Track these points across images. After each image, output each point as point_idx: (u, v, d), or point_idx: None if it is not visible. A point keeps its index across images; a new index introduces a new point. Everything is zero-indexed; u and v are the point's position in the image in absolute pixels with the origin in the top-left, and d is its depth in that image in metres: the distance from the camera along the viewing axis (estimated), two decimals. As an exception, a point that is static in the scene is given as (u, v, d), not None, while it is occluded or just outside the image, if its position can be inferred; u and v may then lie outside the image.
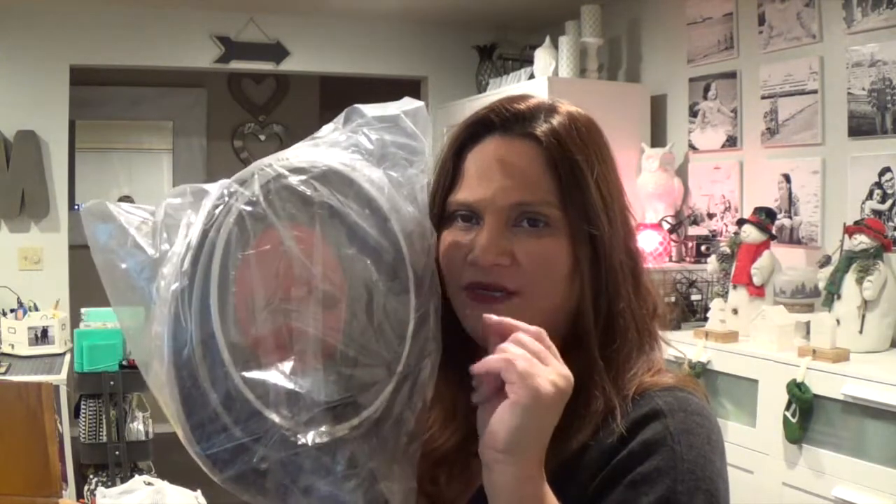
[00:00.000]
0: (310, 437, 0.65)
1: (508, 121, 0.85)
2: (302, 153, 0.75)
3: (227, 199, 0.69)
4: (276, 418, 0.65)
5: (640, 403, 0.78)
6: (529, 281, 0.81)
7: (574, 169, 0.82)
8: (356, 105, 0.81)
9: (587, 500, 0.76)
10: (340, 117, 0.81)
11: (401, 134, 0.79)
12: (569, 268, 0.82)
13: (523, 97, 0.88)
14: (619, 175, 0.88)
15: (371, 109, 0.80)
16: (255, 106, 5.84)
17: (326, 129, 0.80)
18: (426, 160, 0.81)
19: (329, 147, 0.77)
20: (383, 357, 0.72)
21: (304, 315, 0.68)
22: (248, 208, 0.69)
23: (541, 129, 0.83)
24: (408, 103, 0.83)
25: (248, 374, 0.66)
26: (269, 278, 0.68)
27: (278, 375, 0.66)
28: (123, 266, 0.70)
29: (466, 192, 0.84)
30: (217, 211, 0.69)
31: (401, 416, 0.72)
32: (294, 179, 0.71)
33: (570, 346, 0.82)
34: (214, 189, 0.72)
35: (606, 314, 0.83)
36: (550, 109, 0.86)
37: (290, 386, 0.66)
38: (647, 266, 0.90)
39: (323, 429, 0.66)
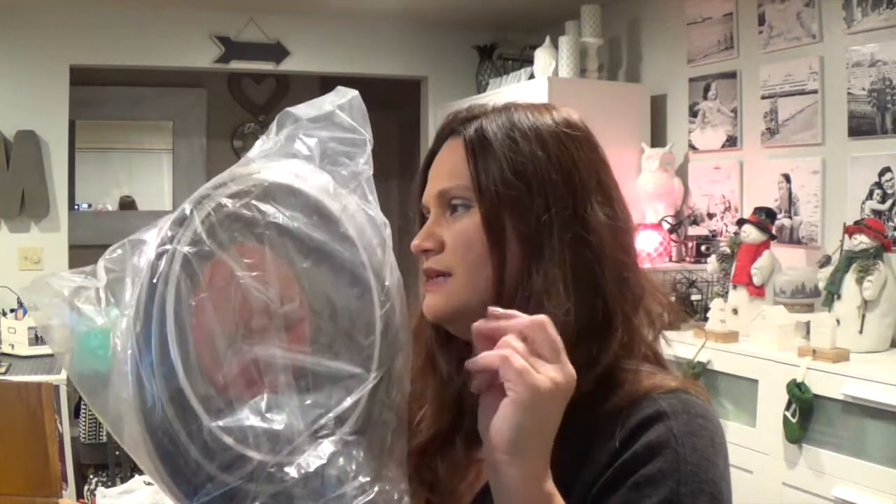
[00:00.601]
0: (294, 470, 0.64)
1: (453, 128, 0.90)
2: (239, 174, 0.73)
3: (168, 245, 0.67)
4: (259, 457, 0.64)
5: (644, 405, 0.78)
6: (454, 261, 0.85)
7: (487, 150, 0.85)
8: (287, 109, 0.80)
9: (591, 500, 0.76)
10: (273, 126, 0.80)
11: (338, 129, 0.79)
12: (486, 246, 0.84)
13: (482, 106, 0.92)
14: (592, 170, 0.87)
15: (303, 110, 0.80)
16: (255, 106, 5.84)
17: (259, 144, 0.79)
18: (368, 150, 0.81)
19: (266, 161, 0.75)
20: (356, 362, 0.70)
21: (268, 344, 0.67)
22: (193, 249, 0.67)
23: (472, 126, 0.88)
24: (341, 95, 0.81)
25: (223, 423, 0.64)
26: (227, 316, 0.67)
27: (254, 416, 0.65)
28: (73, 338, 0.68)
29: (423, 197, 0.91)
30: (161, 261, 0.66)
31: (381, 418, 0.71)
32: (235, 205, 0.69)
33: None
34: (152, 237, 0.69)
35: (518, 292, 0.82)
36: (500, 110, 0.89)
37: (267, 425, 0.64)
38: (636, 260, 0.89)
39: (308, 455, 0.65)
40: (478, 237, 0.84)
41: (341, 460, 0.67)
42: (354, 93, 0.82)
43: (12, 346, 3.65)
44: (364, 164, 0.80)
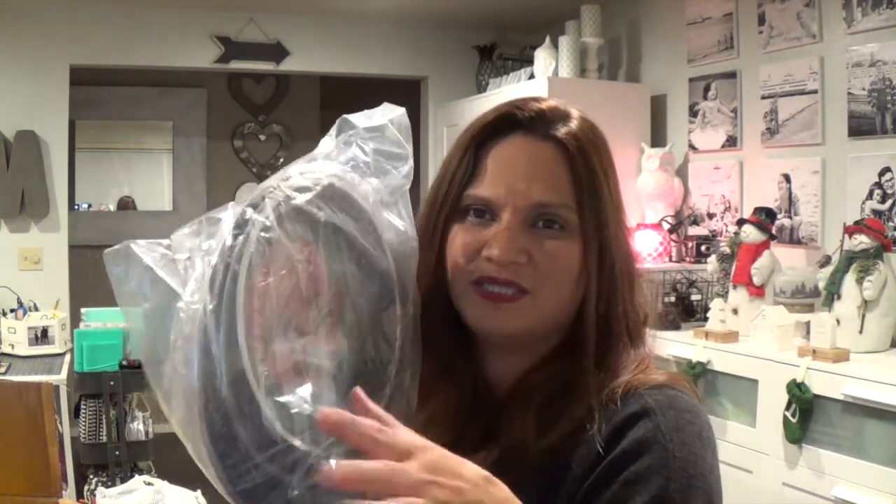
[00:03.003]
0: (333, 463, 0.64)
1: (533, 120, 0.85)
2: (304, 170, 0.75)
3: (244, 227, 0.69)
4: (304, 447, 0.65)
5: (630, 402, 0.79)
6: (542, 280, 0.82)
7: (592, 175, 0.84)
8: (345, 116, 0.80)
9: (581, 498, 0.76)
10: (333, 129, 0.81)
11: (386, 143, 0.79)
12: (578, 271, 0.83)
13: (540, 98, 0.88)
14: (619, 181, 0.89)
15: (360, 119, 0.80)
16: (255, 106, 5.84)
17: (324, 143, 0.80)
18: (410, 165, 0.81)
19: (326, 161, 0.77)
20: (378, 371, 0.73)
21: (316, 338, 0.69)
22: (265, 234, 0.68)
23: (562, 132, 0.84)
24: (391, 110, 0.82)
25: (275, 410, 0.65)
26: (283, 305, 0.68)
27: (301, 401, 0.65)
28: (148, 306, 0.69)
29: (486, 188, 0.84)
30: (237, 242, 0.68)
31: None
32: (301, 199, 0.71)
33: (566, 347, 0.84)
34: (228, 217, 0.70)
35: (605, 318, 0.84)
36: (566, 114, 0.87)
37: (312, 410, 0.65)
38: (641, 271, 0.91)
39: (342, 450, 0.65)
40: (572, 264, 0.83)
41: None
42: (402, 110, 0.83)
43: (12, 346, 3.65)
44: (404, 177, 0.79)
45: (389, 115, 0.81)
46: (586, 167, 0.83)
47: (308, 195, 0.71)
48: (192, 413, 0.65)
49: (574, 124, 0.85)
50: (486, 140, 0.86)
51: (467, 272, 0.83)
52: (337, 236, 0.72)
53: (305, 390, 0.66)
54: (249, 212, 0.69)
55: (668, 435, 0.76)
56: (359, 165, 0.77)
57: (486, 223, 0.83)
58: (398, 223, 0.78)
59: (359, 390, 0.66)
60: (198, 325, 0.65)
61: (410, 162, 0.81)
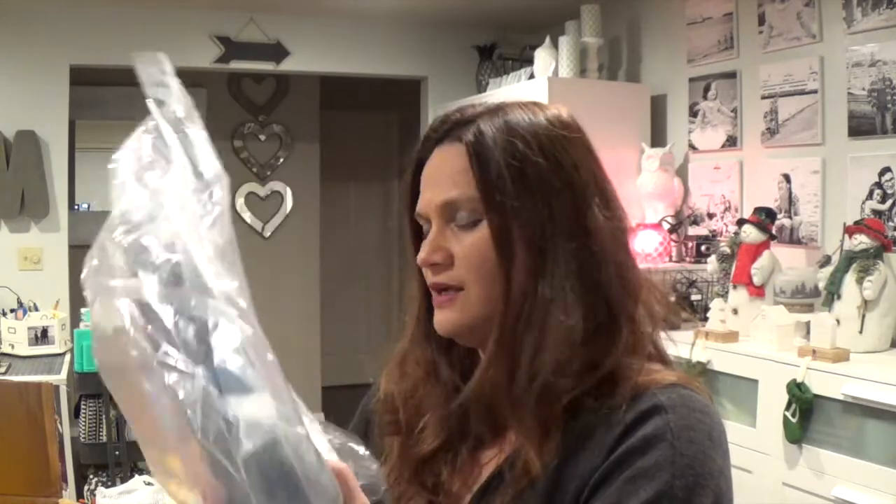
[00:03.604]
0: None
1: (447, 132, 0.88)
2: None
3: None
4: None
5: (642, 400, 0.79)
6: (465, 274, 0.84)
7: (490, 162, 0.84)
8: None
9: (588, 492, 0.76)
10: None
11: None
12: (497, 259, 0.83)
13: (473, 107, 0.90)
14: (590, 171, 0.87)
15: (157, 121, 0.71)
16: (255, 106, 5.84)
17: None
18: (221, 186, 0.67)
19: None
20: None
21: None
22: None
23: (469, 131, 0.86)
24: (147, 62, 0.70)
25: None
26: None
27: None
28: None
29: (419, 204, 0.89)
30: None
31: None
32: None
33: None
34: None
35: (525, 301, 0.82)
36: (494, 111, 0.87)
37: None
38: (634, 258, 0.89)
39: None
40: (490, 250, 0.83)
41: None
42: (157, 55, 0.70)
43: (12, 346, 3.65)
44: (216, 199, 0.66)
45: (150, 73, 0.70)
46: (484, 155, 0.84)
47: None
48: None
49: (490, 119, 0.86)
50: (421, 163, 0.90)
51: (427, 286, 0.89)
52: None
53: None
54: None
55: (677, 433, 0.76)
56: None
57: None
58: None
59: None
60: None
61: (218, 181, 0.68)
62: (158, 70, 0.69)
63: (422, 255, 0.86)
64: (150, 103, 0.69)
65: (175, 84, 0.70)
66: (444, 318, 0.86)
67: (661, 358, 0.87)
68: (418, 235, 0.90)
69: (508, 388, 0.81)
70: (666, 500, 0.73)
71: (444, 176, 0.86)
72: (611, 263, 0.84)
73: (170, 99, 0.70)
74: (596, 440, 0.78)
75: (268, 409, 0.59)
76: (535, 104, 0.90)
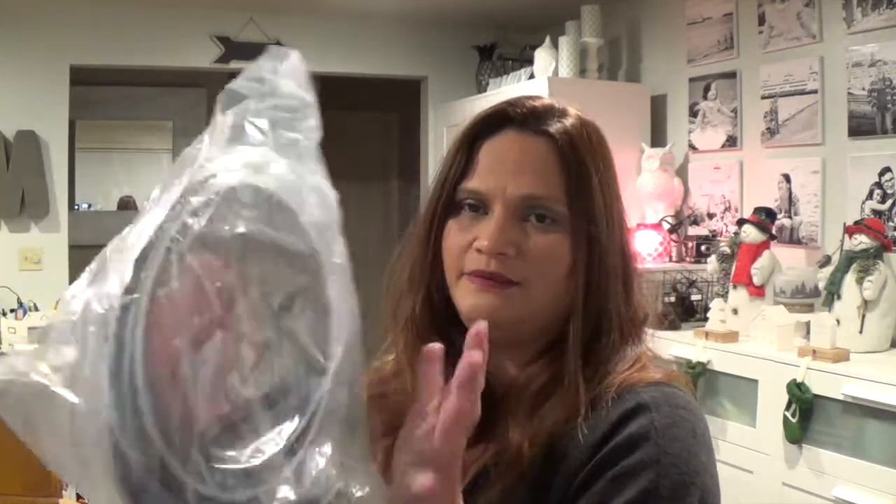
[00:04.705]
0: (288, 492, 0.59)
1: (525, 116, 0.86)
2: (196, 182, 0.65)
3: (132, 294, 0.59)
4: (246, 496, 0.59)
5: (626, 398, 0.79)
6: (531, 273, 0.82)
7: (582, 170, 0.84)
8: (228, 87, 0.71)
9: (573, 491, 0.76)
10: (217, 111, 0.72)
11: (284, 101, 0.71)
12: (568, 266, 0.83)
13: (536, 97, 0.89)
14: (618, 180, 0.89)
15: (245, 84, 0.72)
16: (255, 106, 5.84)
17: (208, 134, 0.71)
18: (315, 118, 0.71)
19: (219, 155, 0.67)
20: (308, 359, 0.63)
21: (231, 368, 0.60)
22: (161, 290, 0.60)
23: (555, 127, 0.85)
24: (279, 56, 0.73)
25: (206, 485, 0.58)
26: (193, 352, 0.60)
27: (234, 461, 0.59)
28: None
29: (478, 181, 0.85)
30: (128, 315, 0.59)
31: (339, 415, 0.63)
32: (200, 223, 0.62)
33: (556, 343, 0.85)
34: (114, 283, 0.60)
35: (595, 314, 0.84)
36: (562, 111, 0.87)
37: (247, 465, 0.59)
38: (640, 270, 0.91)
39: (293, 473, 0.60)
40: (563, 257, 0.83)
41: (320, 466, 0.61)
42: (293, 53, 0.73)
43: (12, 346, 3.65)
44: (311, 131, 0.70)
45: (278, 65, 0.72)
46: (576, 161, 0.84)
47: (206, 214, 0.62)
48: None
49: (567, 121, 0.86)
50: (479, 136, 0.87)
51: (460, 265, 0.85)
52: (249, 247, 0.63)
53: (237, 443, 0.60)
54: (139, 270, 0.60)
55: (661, 431, 0.76)
56: (261, 143, 0.68)
57: (480, 217, 0.85)
58: (320, 185, 0.68)
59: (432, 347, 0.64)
60: (103, 417, 0.58)
61: (313, 112, 0.71)
62: (272, 68, 0.70)
63: (491, 243, 0.81)
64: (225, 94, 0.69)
65: (276, 86, 0.70)
66: (485, 303, 0.82)
67: (645, 359, 0.88)
68: (448, 208, 0.86)
69: (574, 389, 0.81)
70: (651, 499, 0.73)
71: (528, 167, 0.84)
72: (626, 276, 0.87)
73: (253, 101, 0.70)
74: (581, 438, 0.78)
75: None
76: (579, 114, 0.89)
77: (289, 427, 0.61)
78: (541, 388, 0.83)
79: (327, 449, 0.62)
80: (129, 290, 0.60)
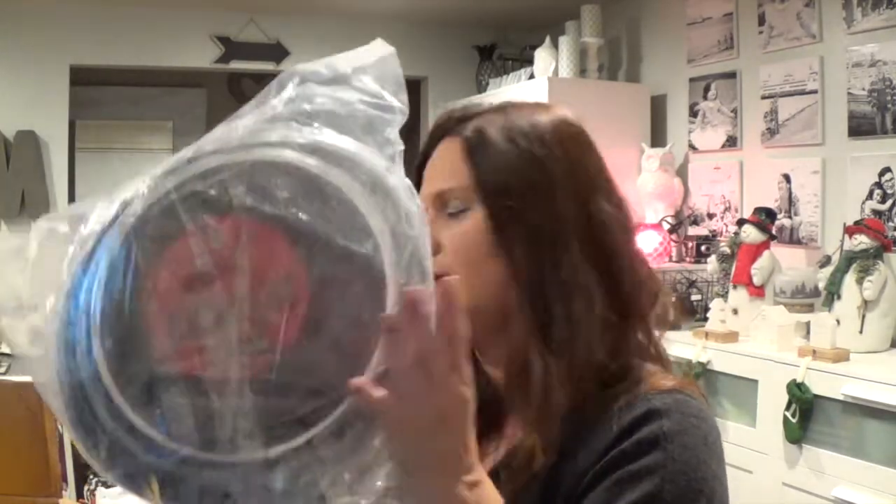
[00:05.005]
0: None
1: (449, 128, 0.89)
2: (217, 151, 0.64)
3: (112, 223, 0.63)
4: (187, 452, 0.59)
5: (639, 405, 0.78)
6: (452, 263, 0.83)
7: (488, 150, 0.84)
8: (294, 68, 0.66)
9: (580, 493, 0.76)
10: (271, 87, 0.68)
11: (362, 94, 0.66)
12: (489, 247, 0.83)
13: (478, 105, 0.91)
14: (595, 166, 0.88)
15: (313, 69, 0.67)
16: (255, 106, 5.84)
17: (251, 108, 0.69)
18: (399, 122, 0.66)
19: (267, 127, 0.65)
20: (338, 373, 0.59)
21: (228, 339, 0.59)
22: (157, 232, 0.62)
23: (469, 126, 0.87)
24: (368, 54, 0.68)
25: (143, 418, 0.59)
26: (185, 299, 0.61)
27: (189, 412, 0.59)
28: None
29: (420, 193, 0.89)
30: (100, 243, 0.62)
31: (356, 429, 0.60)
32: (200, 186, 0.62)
33: (509, 321, 0.84)
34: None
35: (539, 282, 0.82)
36: (497, 109, 0.89)
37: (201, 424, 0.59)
38: (644, 256, 0.89)
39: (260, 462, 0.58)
40: (479, 239, 0.83)
41: (295, 465, 0.58)
42: (389, 50, 0.68)
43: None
44: (395, 137, 0.64)
45: (362, 61, 0.68)
46: (481, 146, 0.85)
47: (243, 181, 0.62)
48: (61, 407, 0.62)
49: (488, 116, 0.87)
50: (427, 158, 0.91)
51: None
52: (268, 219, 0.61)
53: (201, 393, 0.59)
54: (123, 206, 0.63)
55: (671, 437, 0.75)
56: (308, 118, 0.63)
57: None
58: (396, 184, 0.62)
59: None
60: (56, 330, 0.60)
61: (400, 118, 0.66)
62: (362, 65, 0.67)
63: None
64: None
65: (362, 84, 0.67)
66: None
67: (661, 360, 0.87)
68: None
69: (543, 376, 0.80)
70: (655, 503, 0.73)
71: (441, 168, 0.88)
72: (625, 258, 0.85)
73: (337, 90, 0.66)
74: (591, 442, 0.78)
75: None
76: (541, 105, 0.90)
77: (271, 416, 0.59)
78: (540, 383, 0.82)
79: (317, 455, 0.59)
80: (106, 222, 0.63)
